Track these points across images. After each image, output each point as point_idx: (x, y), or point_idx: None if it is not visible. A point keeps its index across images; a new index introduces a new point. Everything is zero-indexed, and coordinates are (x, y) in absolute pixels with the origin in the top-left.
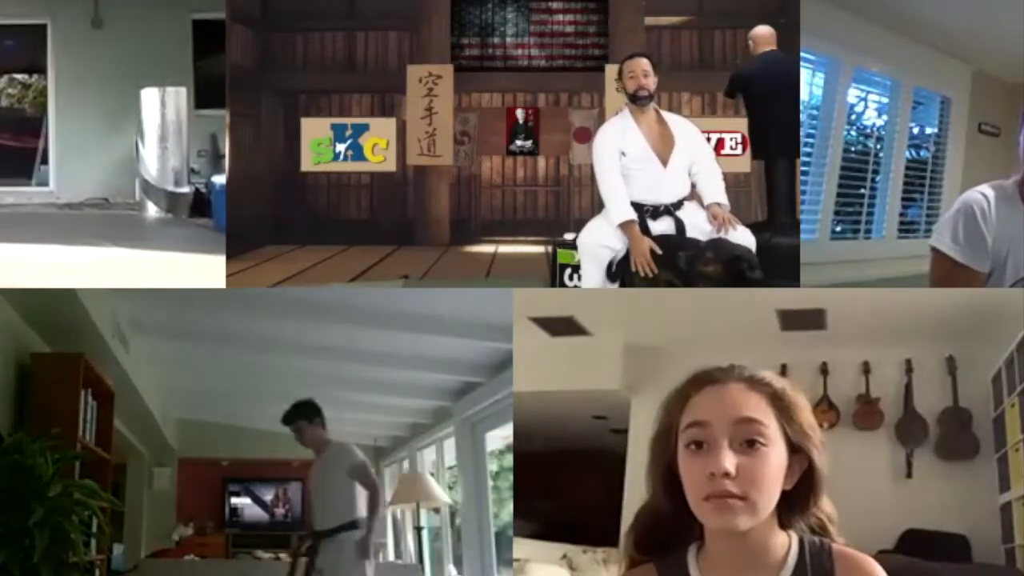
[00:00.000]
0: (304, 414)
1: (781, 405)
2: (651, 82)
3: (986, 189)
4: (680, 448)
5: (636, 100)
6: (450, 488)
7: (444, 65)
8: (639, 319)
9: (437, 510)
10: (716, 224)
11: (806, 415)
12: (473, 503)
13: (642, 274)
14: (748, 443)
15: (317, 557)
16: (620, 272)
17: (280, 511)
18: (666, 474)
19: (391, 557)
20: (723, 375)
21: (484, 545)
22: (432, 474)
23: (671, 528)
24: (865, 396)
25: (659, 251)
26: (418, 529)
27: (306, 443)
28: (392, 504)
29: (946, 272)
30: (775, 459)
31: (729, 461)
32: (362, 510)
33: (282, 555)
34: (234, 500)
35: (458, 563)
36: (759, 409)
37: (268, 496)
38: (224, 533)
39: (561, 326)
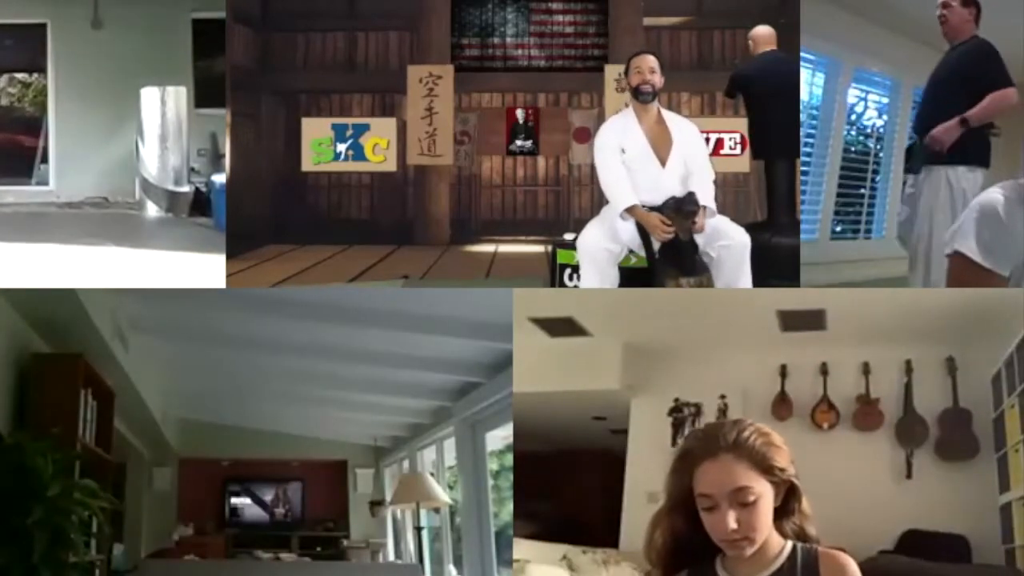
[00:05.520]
0: None
1: (764, 464)
2: (656, 79)
3: (1001, 190)
4: (700, 508)
5: (639, 95)
6: (450, 488)
7: (444, 65)
8: (639, 320)
9: (437, 510)
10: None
11: (781, 458)
12: (473, 503)
13: (662, 238)
14: (743, 504)
15: None
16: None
17: (280, 511)
18: (686, 513)
19: (391, 557)
20: (714, 447)
21: (484, 545)
22: (432, 474)
23: (690, 542)
24: (865, 397)
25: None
26: (418, 529)
27: None
28: (392, 504)
29: (968, 277)
30: (765, 505)
31: (732, 521)
32: None
33: (282, 555)
34: (234, 500)
35: (458, 563)
36: (747, 476)
37: (268, 496)
38: (224, 533)
39: (561, 327)
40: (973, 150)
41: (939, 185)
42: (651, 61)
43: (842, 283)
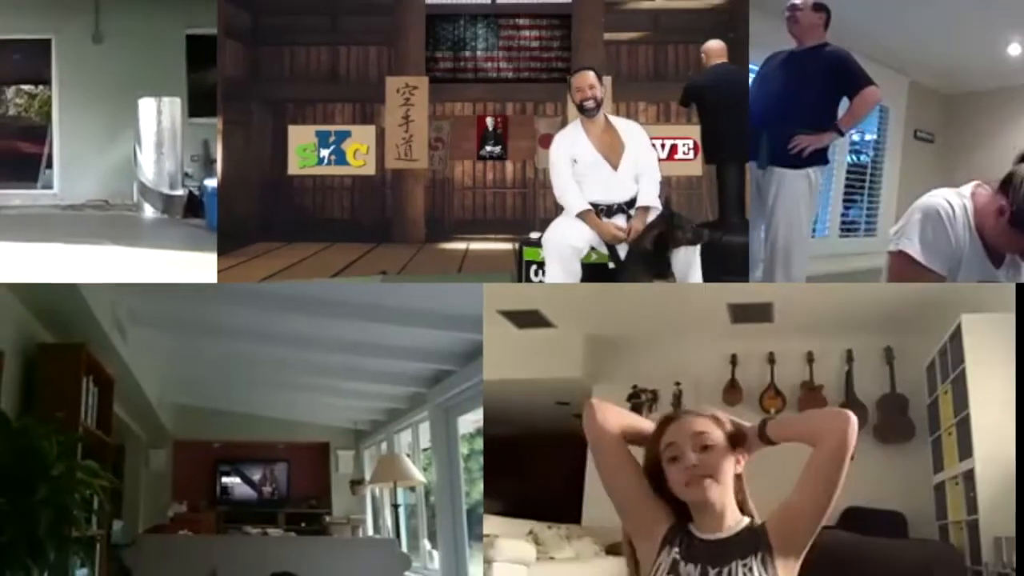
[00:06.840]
0: None
1: (718, 419)
2: (597, 92)
3: (947, 196)
4: (665, 463)
5: (583, 111)
6: (425, 469)
7: (420, 77)
8: (600, 313)
9: (413, 489)
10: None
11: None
12: (446, 482)
13: (614, 242)
14: (703, 447)
15: None
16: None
17: (267, 489)
18: (656, 478)
19: (370, 532)
20: (678, 413)
21: (456, 521)
22: (408, 455)
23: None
24: (809, 383)
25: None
26: (395, 506)
27: None
28: (371, 483)
29: (909, 275)
30: (722, 453)
31: (694, 457)
32: None
33: (269, 530)
34: (225, 479)
35: (432, 538)
36: (705, 424)
37: (256, 476)
38: (215, 510)
39: (527, 319)
40: (821, 150)
41: (801, 184)
42: (590, 77)
43: (851, 272)
